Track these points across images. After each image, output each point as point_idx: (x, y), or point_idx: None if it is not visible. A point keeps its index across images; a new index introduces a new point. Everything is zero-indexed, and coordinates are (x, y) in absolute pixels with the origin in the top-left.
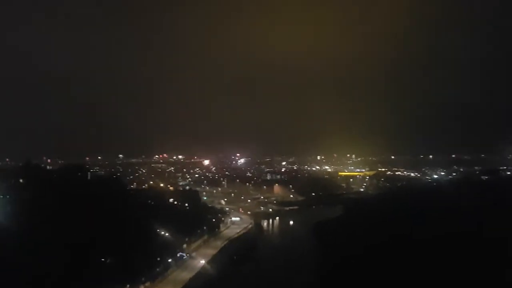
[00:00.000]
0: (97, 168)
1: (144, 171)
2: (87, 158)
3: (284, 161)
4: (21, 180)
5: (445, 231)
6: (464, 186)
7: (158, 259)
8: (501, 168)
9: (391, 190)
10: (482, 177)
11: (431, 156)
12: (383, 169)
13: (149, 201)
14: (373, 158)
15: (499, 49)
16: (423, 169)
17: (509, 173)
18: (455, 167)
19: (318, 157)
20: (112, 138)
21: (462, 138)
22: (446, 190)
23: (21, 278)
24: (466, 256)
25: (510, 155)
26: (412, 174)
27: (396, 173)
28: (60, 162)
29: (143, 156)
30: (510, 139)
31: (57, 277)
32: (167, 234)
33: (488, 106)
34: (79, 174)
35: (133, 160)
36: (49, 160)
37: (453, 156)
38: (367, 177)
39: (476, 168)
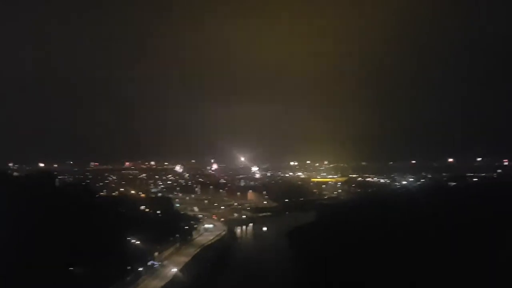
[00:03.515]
0: (66, 175)
1: (114, 178)
2: (55, 165)
3: (257, 168)
4: None
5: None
6: (430, 192)
7: (129, 267)
8: (468, 174)
9: (361, 196)
10: (450, 183)
11: (400, 163)
12: (354, 175)
13: (119, 209)
14: (345, 165)
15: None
16: (392, 175)
17: (475, 179)
18: (423, 173)
19: (292, 164)
20: (82, 144)
21: (430, 146)
22: (412, 196)
23: None
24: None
25: (476, 162)
26: (382, 180)
27: (367, 179)
28: (27, 168)
29: (114, 163)
30: (478, 147)
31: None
32: (138, 242)
33: (457, 115)
34: (47, 181)
35: (103, 167)
36: (15, 167)
37: (421, 163)
38: (339, 183)
39: (444, 174)
